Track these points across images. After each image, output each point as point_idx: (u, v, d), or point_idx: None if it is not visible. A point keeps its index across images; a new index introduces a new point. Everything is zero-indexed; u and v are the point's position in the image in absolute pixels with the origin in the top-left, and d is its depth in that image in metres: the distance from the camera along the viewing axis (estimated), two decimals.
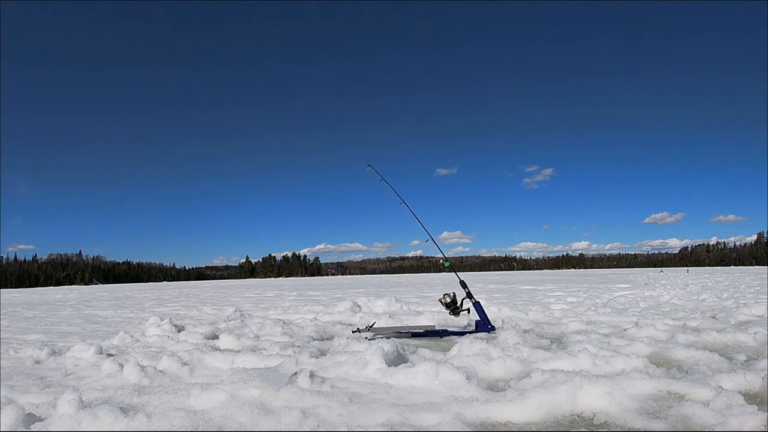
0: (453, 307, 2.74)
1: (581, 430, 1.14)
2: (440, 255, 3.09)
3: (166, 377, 1.67)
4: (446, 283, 11.27)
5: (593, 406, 1.26)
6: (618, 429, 1.14)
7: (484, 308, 2.78)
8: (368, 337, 2.44)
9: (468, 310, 2.74)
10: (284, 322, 3.10)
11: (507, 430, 1.16)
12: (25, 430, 1.13)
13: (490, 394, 1.36)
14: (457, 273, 3.04)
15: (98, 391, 1.50)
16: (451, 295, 2.77)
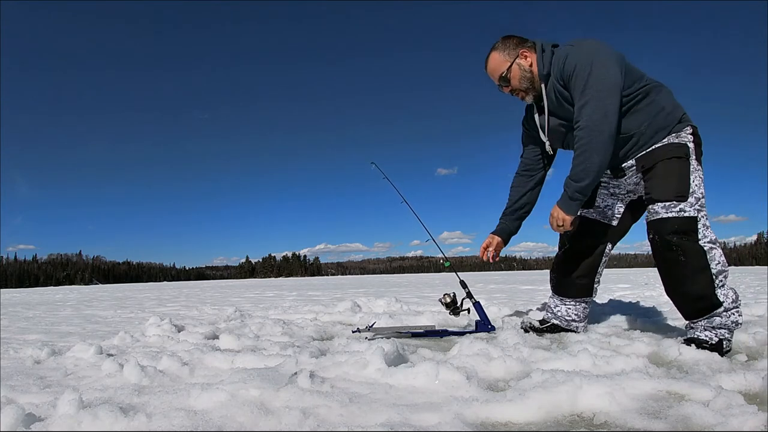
0: (453, 307, 2.69)
1: (581, 430, 1.14)
2: (440, 255, 3.08)
3: (166, 377, 1.66)
4: (446, 283, 11.27)
5: (593, 406, 1.26)
6: (618, 429, 1.13)
7: (484, 308, 2.78)
8: (368, 337, 2.44)
9: (468, 310, 2.72)
10: (284, 322, 3.10)
11: (507, 430, 1.16)
12: (25, 430, 1.13)
13: (490, 394, 1.35)
14: (457, 273, 3.03)
15: (98, 391, 1.49)
16: (451, 295, 2.74)
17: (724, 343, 1.93)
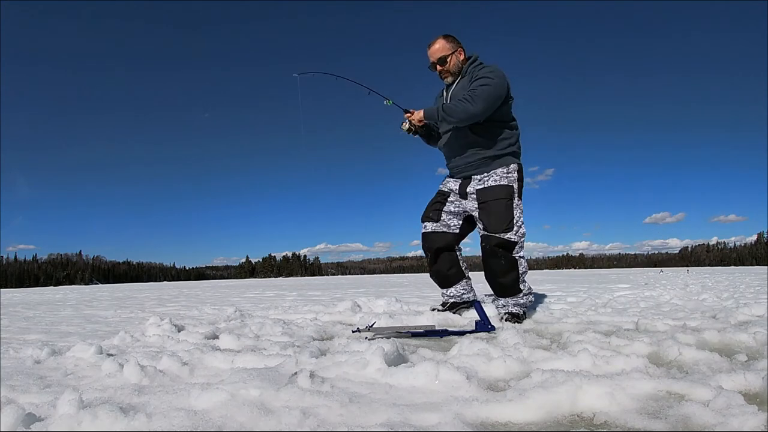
0: (410, 126, 3.26)
1: (581, 430, 1.14)
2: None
3: (166, 377, 1.66)
4: None
5: (593, 406, 1.25)
6: (618, 429, 1.13)
7: (484, 308, 2.77)
8: (368, 337, 2.44)
9: (413, 130, 3.29)
10: (284, 322, 3.10)
11: (507, 430, 1.16)
12: (25, 430, 1.13)
13: (490, 394, 1.35)
14: (398, 104, 3.32)
15: (98, 391, 1.49)
16: (405, 123, 3.27)
17: (521, 315, 3.06)
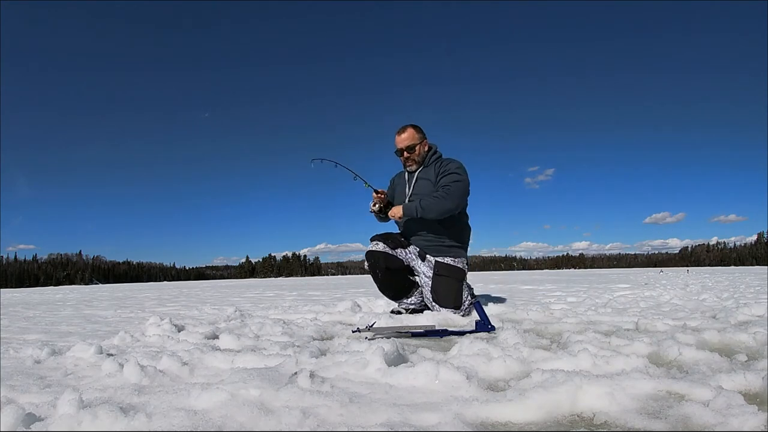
0: (382, 209, 3.43)
1: (581, 430, 1.14)
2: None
3: (166, 377, 1.66)
4: None
5: (593, 406, 1.25)
6: (618, 429, 1.13)
7: (484, 308, 2.77)
8: (368, 337, 2.44)
9: (381, 208, 3.44)
10: (284, 322, 3.10)
11: (507, 430, 1.16)
12: (25, 430, 1.13)
13: (490, 394, 1.35)
14: (371, 185, 3.51)
15: (98, 391, 1.49)
16: (381, 205, 3.40)
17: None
